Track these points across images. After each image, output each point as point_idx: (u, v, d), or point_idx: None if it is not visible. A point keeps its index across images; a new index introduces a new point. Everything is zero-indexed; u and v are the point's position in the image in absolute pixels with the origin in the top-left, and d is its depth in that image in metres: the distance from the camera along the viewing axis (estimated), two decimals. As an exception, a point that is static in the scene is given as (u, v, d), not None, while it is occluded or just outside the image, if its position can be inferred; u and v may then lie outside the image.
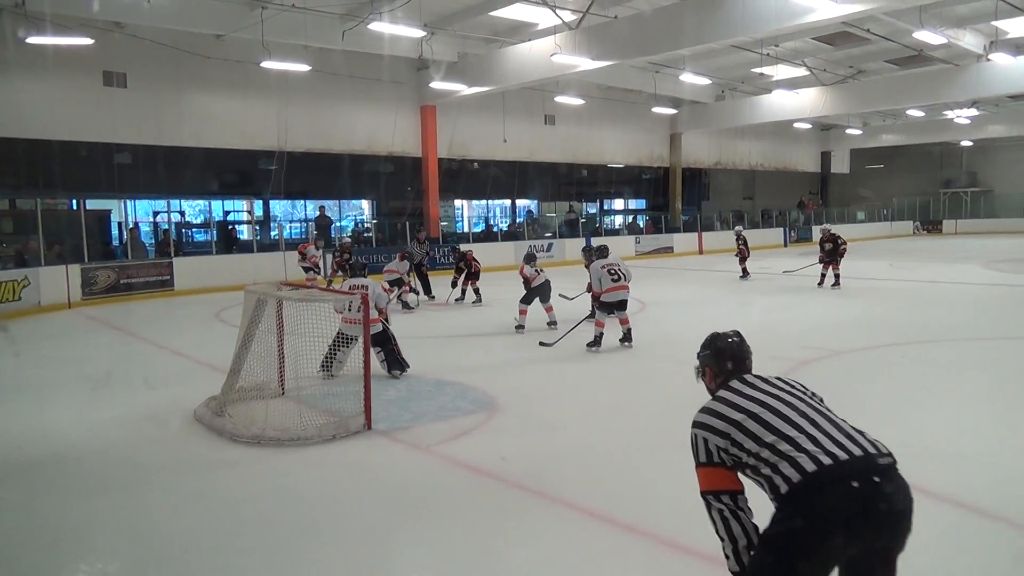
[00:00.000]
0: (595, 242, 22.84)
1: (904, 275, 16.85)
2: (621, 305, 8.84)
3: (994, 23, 18.14)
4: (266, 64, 15.60)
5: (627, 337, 8.92)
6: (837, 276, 14.60)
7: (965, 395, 6.73)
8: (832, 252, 14.63)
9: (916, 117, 30.34)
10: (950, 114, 29.20)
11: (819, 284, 14.73)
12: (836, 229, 15.80)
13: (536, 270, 10.29)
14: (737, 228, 17.63)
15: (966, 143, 34.76)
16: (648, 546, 3.83)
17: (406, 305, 12.52)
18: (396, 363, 7.36)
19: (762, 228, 29.46)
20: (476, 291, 13.01)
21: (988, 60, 19.53)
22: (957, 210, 36.53)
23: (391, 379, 7.25)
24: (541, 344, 9.12)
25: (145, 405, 6.72)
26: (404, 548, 3.91)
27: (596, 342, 8.71)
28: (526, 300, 10.25)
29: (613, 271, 8.81)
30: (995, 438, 5.49)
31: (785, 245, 29.03)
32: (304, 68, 16.64)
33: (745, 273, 16.49)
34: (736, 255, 16.78)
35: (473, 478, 4.84)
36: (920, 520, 4.18)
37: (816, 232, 18.34)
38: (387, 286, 10.95)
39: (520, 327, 10.16)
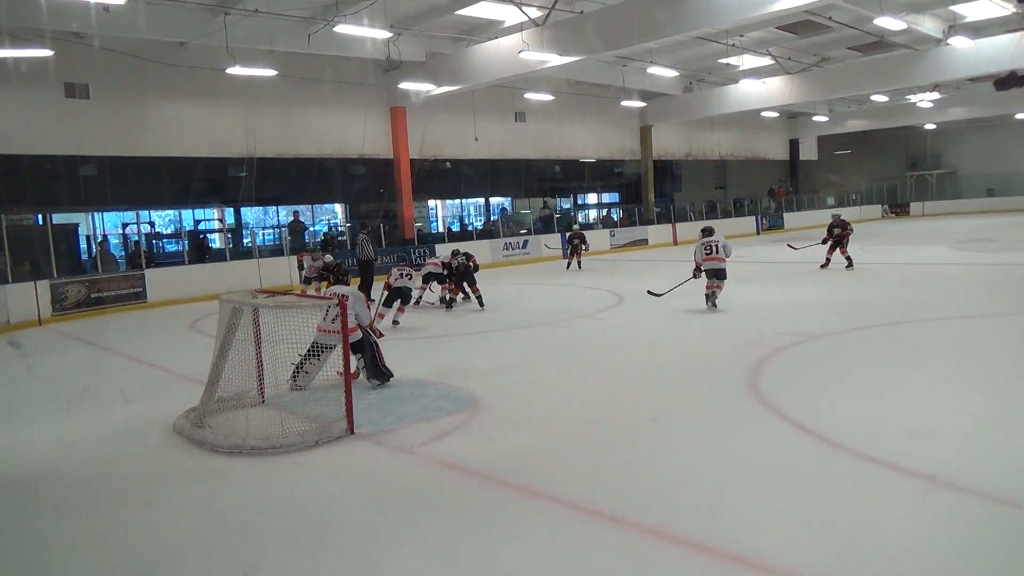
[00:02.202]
0: (549, 237, 23.01)
1: (875, 258, 17.10)
2: (718, 273, 10.83)
3: (952, 8, 18.49)
4: (232, 70, 15.43)
5: (712, 299, 10.77)
6: (848, 258, 15.14)
7: (938, 374, 6.86)
8: (840, 236, 15.17)
9: (880, 102, 30.81)
10: (913, 98, 29.68)
11: (823, 266, 15.24)
12: (806, 215, 16.15)
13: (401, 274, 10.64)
14: (835, 212, 17.01)
15: (930, 126, 35.37)
16: (633, 536, 3.87)
17: (451, 303, 12.31)
18: (376, 372, 7.07)
19: (734, 217, 29.75)
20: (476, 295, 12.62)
21: (947, 44, 19.87)
22: (923, 192, 37.15)
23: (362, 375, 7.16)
24: (649, 292, 11.71)
25: (123, 420, 6.63)
26: (392, 550, 3.90)
27: (711, 297, 10.81)
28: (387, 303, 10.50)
29: (708, 246, 10.87)
30: (968, 415, 5.61)
31: (758, 233, 29.34)
32: (271, 73, 16.50)
33: (849, 263, 15.21)
34: (828, 241, 15.49)
35: (458, 477, 4.85)
36: (896, 496, 4.29)
37: (789, 218, 18.55)
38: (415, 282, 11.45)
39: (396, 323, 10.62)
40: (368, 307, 7.48)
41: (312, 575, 3.64)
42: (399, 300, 10.58)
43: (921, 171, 38.00)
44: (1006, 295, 11.24)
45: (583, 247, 19.09)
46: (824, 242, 15.47)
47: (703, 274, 10.86)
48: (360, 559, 3.79)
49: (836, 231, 15.30)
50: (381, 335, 7.47)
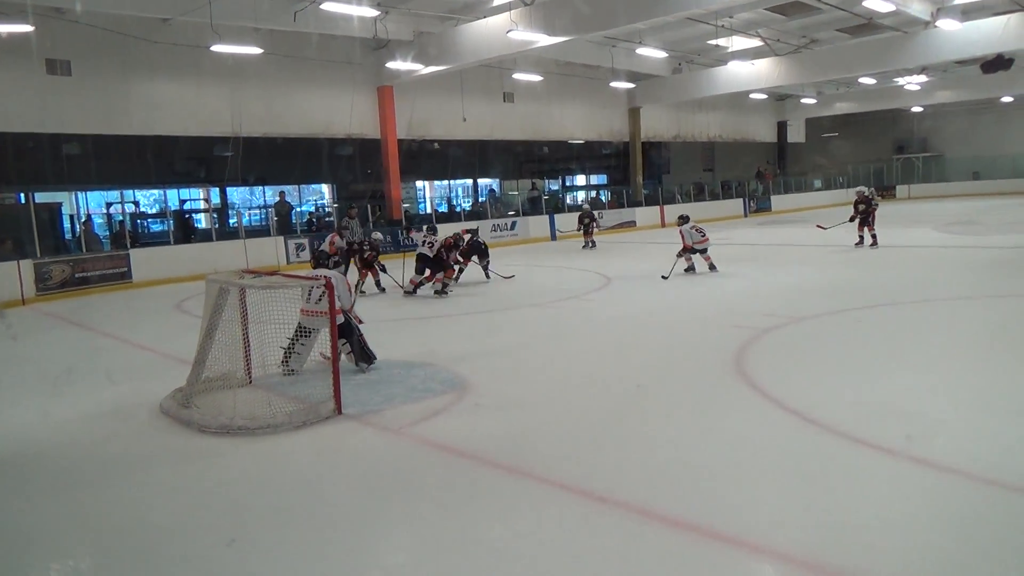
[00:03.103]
0: (560, 218, 23.07)
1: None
2: (705, 250, 12.75)
3: (941, -11, 18.51)
4: (216, 48, 15.23)
5: (713, 267, 12.86)
6: (874, 236, 15.24)
7: (923, 356, 6.94)
8: (866, 212, 15.20)
9: (868, 85, 30.87)
10: (900, 81, 29.75)
11: (857, 244, 15.28)
12: (793, 198, 16.25)
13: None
14: (860, 189, 16.46)
15: (917, 109, 35.48)
16: (621, 515, 3.91)
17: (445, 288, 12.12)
18: (363, 355, 6.98)
19: (722, 199, 29.82)
20: (485, 269, 13.22)
21: (935, 27, 19.90)
22: (910, 175, 37.37)
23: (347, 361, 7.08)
24: (663, 277, 12.14)
25: (109, 400, 6.61)
26: (380, 529, 3.93)
27: (692, 268, 12.87)
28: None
29: (699, 230, 12.74)
30: (953, 396, 5.68)
31: (745, 215, 29.43)
32: (256, 51, 16.30)
33: (871, 239, 15.41)
34: (855, 218, 15.56)
35: (445, 457, 4.87)
36: (878, 475, 4.35)
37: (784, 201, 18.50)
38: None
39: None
40: (351, 292, 7.39)
41: (301, 554, 3.66)
42: (428, 268, 11.58)
43: (907, 154, 38.19)
44: (990, 277, 11.35)
45: (594, 225, 19.21)
46: (852, 220, 15.44)
47: (688, 254, 12.62)
48: (348, 538, 3.81)
49: (861, 207, 15.28)
50: (361, 321, 7.40)
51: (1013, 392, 5.67)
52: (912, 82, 29.61)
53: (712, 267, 12.79)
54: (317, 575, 3.45)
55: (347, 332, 6.82)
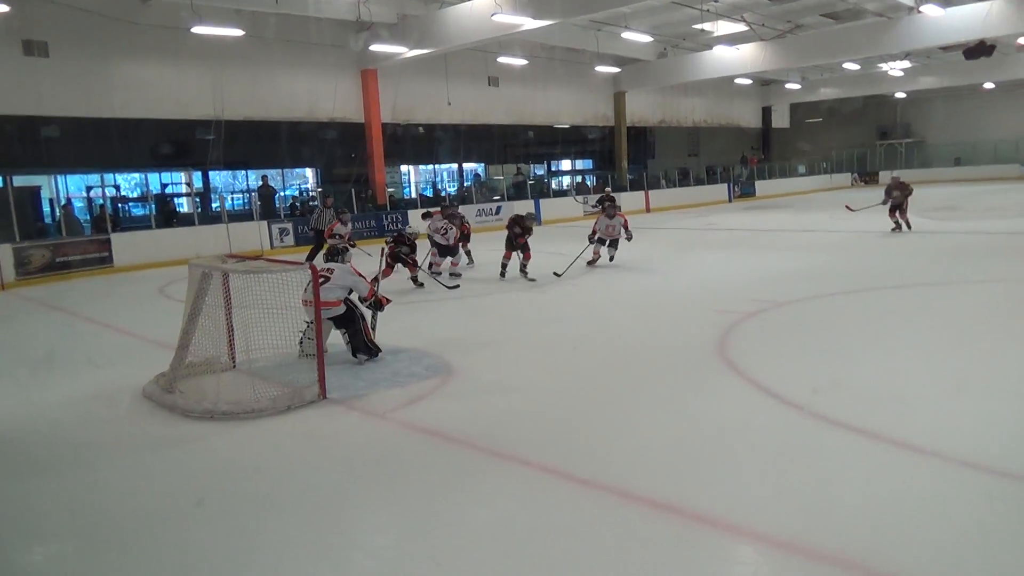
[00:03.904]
0: (545, 203, 23.05)
1: (843, 226, 17.34)
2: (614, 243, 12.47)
3: (925, -25, 18.56)
4: (197, 29, 15.03)
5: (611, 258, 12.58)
6: (908, 222, 15.17)
7: (903, 340, 7.03)
8: (900, 199, 15.02)
9: (852, 70, 30.96)
10: (884, 67, 29.87)
11: (893, 229, 15.20)
12: (777, 183, 16.31)
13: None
14: (895, 175, 16.27)
15: (900, 95, 35.67)
16: (604, 498, 3.95)
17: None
18: (363, 347, 6.73)
19: (707, 184, 29.90)
20: (468, 253, 13.19)
21: (919, 12, 19.98)
22: (893, 161, 37.58)
23: (345, 349, 6.90)
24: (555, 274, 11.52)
25: (92, 385, 6.57)
26: (364, 513, 3.95)
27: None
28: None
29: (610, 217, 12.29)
30: (928, 380, 5.77)
31: (730, 200, 29.54)
32: (238, 33, 16.09)
33: (906, 225, 15.31)
34: (887, 203, 15.39)
35: (430, 442, 4.90)
36: (857, 457, 4.42)
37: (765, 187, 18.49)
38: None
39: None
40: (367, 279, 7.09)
41: (284, 538, 3.68)
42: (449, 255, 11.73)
43: (891, 140, 38.42)
44: (971, 263, 11.48)
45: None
46: (884, 203, 15.30)
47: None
48: (332, 522, 3.83)
49: (896, 193, 15.12)
50: (388, 301, 7.19)
51: (992, 375, 5.77)
52: (895, 68, 29.73)
53: (611, 258, 12.53)
54: (301, 558, 3.47)
55: (348, 322, 6.66)
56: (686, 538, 3.51)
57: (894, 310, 8.48)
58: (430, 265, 11.68)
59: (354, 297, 6.79)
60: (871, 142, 38.57)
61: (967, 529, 3.48)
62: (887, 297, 9.11)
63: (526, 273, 11.39)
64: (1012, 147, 34.13)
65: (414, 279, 11.13)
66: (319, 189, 21.25)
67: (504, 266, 11.55)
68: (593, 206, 19.38)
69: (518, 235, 11.43)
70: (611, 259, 12.48)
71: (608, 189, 21.09)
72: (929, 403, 5.20)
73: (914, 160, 37.07)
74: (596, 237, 12.18)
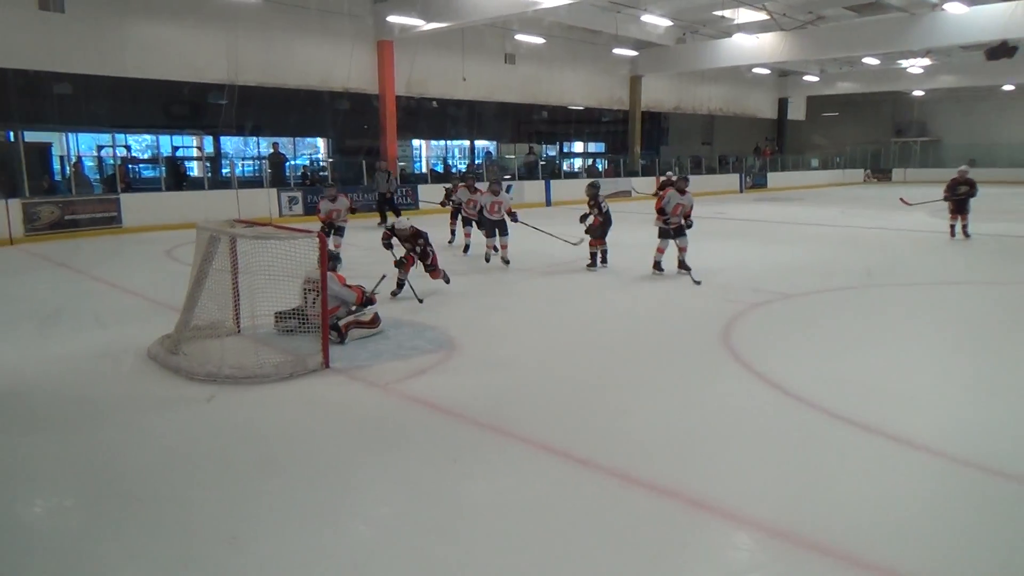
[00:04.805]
0: (556, 184, 22.97)
1: (853, 222, 17.25)
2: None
3: (951, -29, 18.31)
4: (214, -8, 14.93)
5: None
6: (965, 228, 13.25)
7: (906, 337, 7.01)
8: (964, 197, 13.08)
9: (871, 66, 30.67)
10: (904, 63, 29.57)
11: (952, 236, 13.29)
12: (790, 176, 15.79)
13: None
14: (962, 168, 13.67)
15: (918, 93, 35.34)
16: (602, 478, 3.97)
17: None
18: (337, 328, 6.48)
19: (719, 174, 29.73)
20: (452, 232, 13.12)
21: (942, 10, 19.74)
22: (907, 159, 37.32)
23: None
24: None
25: (97, 343, 6.60)
26: (363, 482, 3.97)
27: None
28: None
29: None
30: (934, 378, 5.76)
31: (741, 191, 29.40)
32: (255, -2, 16.02)
33: (963, 233, 13.38)
34: (947, 199, 13.49)
35: (431, 415, 4.91)
36: (859, 454, 4.42)
37: (773, 179, 18.22)
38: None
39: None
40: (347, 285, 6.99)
41: (282, 502, 3.70)
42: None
43: (906, 138, 38.12)
44: (980, 264, 11.43)
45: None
46: (945, 199, 13.37)
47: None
48: (331, 488, 3.85)
49: (963, 189, 13.08)
50: (374, 301, 7.11)
51: (994, 375, 5.76)
52: (915, 65, 29.44)
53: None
54: (301, 525, 3.49)
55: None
56: (683, 522, 3.52)
57: (903, 307, 8.44)
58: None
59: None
60: (886, 139, 38.28)
61: (966, 529, 3.48)
62: (896, 294, 9.07)
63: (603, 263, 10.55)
64: (1029, 150, 33.86)
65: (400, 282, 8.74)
66: (330, 160, 21.22)
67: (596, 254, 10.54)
68: (667, 182, 18.50)
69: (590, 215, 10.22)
70: (684, 265, 9.75)
71: (670, 173, 20.46)
72: (936, 401, 5.19)
73: (929, 159, 36.77)
74: (665, 220, 9.76)
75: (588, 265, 10.49)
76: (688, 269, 9.64)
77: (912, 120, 38.40)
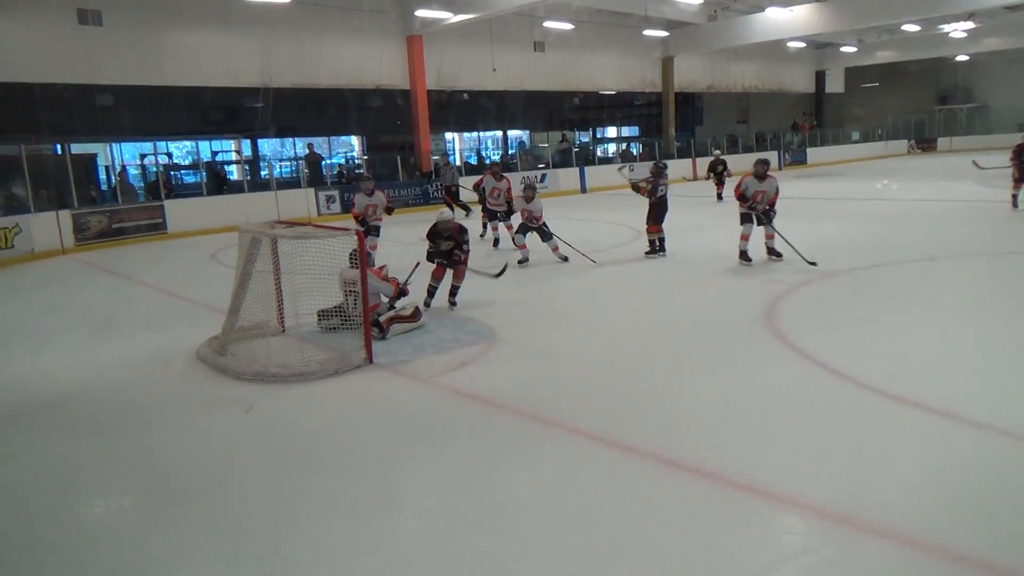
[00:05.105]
0: (590, 170, 22.82)
1: (898, 194, 16.80)
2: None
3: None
4: (245, -4, 15.13)
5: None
6: None
7: (957, 311, 6.82)
8: None
9: (911, 32, 29.74)
10: (946, 28, 28.60)
11: (1015, 206, 12.67)
12: (830, 151, 15.23)
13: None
14: None
15: (962, 58, 34.17)
16: (647, 465, 3.95)
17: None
18: (376, 322, 6.50)
19: (756, 152, 29.18)
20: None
21: (986, -30, 19.05)
22: (952, 127, 36.16)
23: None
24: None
25: (148, 347, 6.78)
26: (409, 475, 4.02)
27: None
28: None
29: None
30: (986, 352, 5.59)
31: (780, 168, 28.81)
32: (285, 0, 16.16)
33: None
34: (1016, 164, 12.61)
35: (474, 407, 4.95)
36: (911, 432, 4.33)
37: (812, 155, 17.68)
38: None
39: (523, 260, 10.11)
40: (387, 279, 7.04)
41: (330, 498, 3.77)
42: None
43: (950, 105, 36.93)
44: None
45: (727, 173, 17.21)
46: (1013, 165, 12.65)
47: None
48: (378, 483, 3.91)
49: None
50: (406, 293, 7.12)
51: (1051, 349, 5.57)
52: (958, 29, 28.45)
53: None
54: (349, 518, 3.55)
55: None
56: (732, 507, 3.48)
57: (953, 281, 8.21)
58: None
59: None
60: (929, 107, 37.13)
61: (1020, 506, 3.39)
62: (946, 267, 8.82)
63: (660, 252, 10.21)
64: (1082, 112, 32.54)
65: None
66: (364, 157, 21.41)
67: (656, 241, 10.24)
68: (716, 162, 17.69)
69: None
70: (773, 251, 9.27)
71: (717, 152, 20.01)
72: (984, 377, 5.04)
73: (975, 126, 35.59)
74: (750, 207, 9.12)
75: (647, 252, 10.30)
76: (778, 256, 9.18)
77: (956, 86, 37.16)
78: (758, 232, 9.30)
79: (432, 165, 20.37)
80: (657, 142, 27.06)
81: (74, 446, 4.62)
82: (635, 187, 10.26)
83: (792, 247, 9.13)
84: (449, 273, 7.68)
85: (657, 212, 10.17)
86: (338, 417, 4.92)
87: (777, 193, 9.25)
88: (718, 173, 17.51)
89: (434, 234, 7.67)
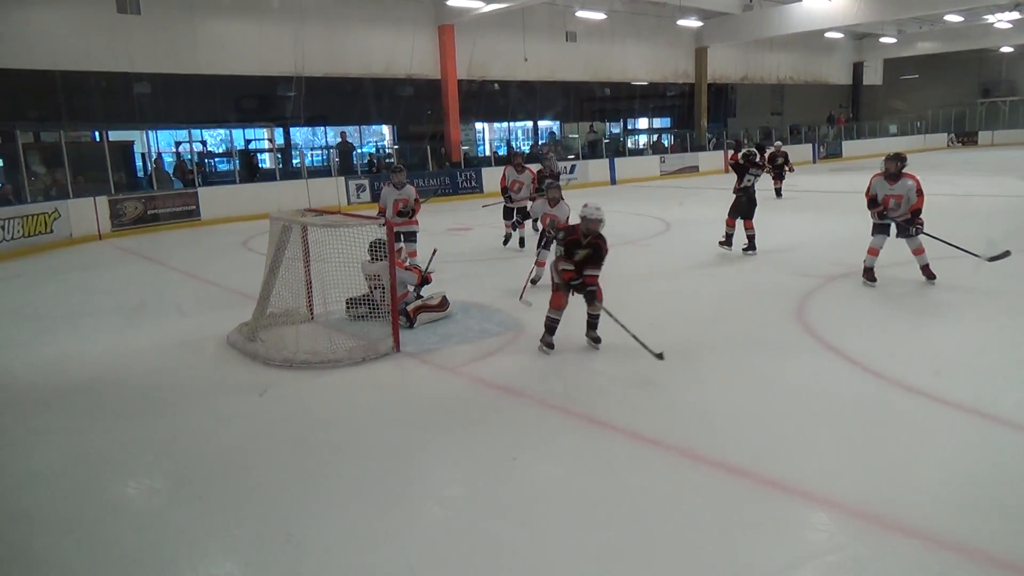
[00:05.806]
0: (620, 161, 22.64)
1: (937, 189, 16.38)
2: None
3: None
4: (279, -15, 15.24)
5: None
6: None
7: (994, 310, 6.66)
8: None
9: (954, 22, 29.02)
10: (990, 18, 27.83)
11: None
12: (867, 144, 14.80)
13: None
14: None
15: (1006, 49, 33.27)
16: (672, 458, 3.92)
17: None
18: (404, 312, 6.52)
19: (791, 144, 28.73)
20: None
21: (1034, -42, 18.49)
22: (994, 121, 35.26)
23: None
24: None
25: (180, 332, 6.89)
26: (434, 463, 4.04)
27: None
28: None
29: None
30: (1021, 352, 5.46)
31: (814, 161, 28.38)
32: (317, -12, 16.28)
33: None
34: None
35: (500, 397, 4.95)
36: (943, 430, 4.24)
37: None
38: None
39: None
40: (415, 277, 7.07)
41: (356, 484, 3.80)
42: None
43: (993, 98, 35.99)
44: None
45: (788, 167, 15.84)
46: None
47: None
48: (403, 470, 3.93)
49: None
50: (429, 280, 7.11)
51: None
52: (1003, 19, 27.67)
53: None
54: (375, 505, 3.58)
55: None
56: (758, 502, 3.45)
57: (987, 279, 8.00)
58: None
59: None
60: (971, 100, 36.23)
61: (1060, 509, 3.31)
62: (980, 265, 8.60)
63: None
64: None
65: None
66: (395, 146, 21.48)
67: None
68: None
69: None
70: (928, 272, 7.68)
71: (779, 143, 17.86)
72: (1019, 376, 4.92)
73: (1019, 120, 34.67)
74: (881, 215, 7.77)
75: (721, 243, 9.66)
76: (932, 277, 7.57)
77: (1000, 79, 36.20)
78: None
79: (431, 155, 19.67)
80: (689, 133, 26.77)
81: (106, 428, 4.71)
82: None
83: (961, 249, 7.76)
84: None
85: (747, 207, 9.53)
86: (365, 404, 4.96)
87: (921, 197, 7.60)
88: (778, 166, 15.76)
89: (572, 241, 5.70)
